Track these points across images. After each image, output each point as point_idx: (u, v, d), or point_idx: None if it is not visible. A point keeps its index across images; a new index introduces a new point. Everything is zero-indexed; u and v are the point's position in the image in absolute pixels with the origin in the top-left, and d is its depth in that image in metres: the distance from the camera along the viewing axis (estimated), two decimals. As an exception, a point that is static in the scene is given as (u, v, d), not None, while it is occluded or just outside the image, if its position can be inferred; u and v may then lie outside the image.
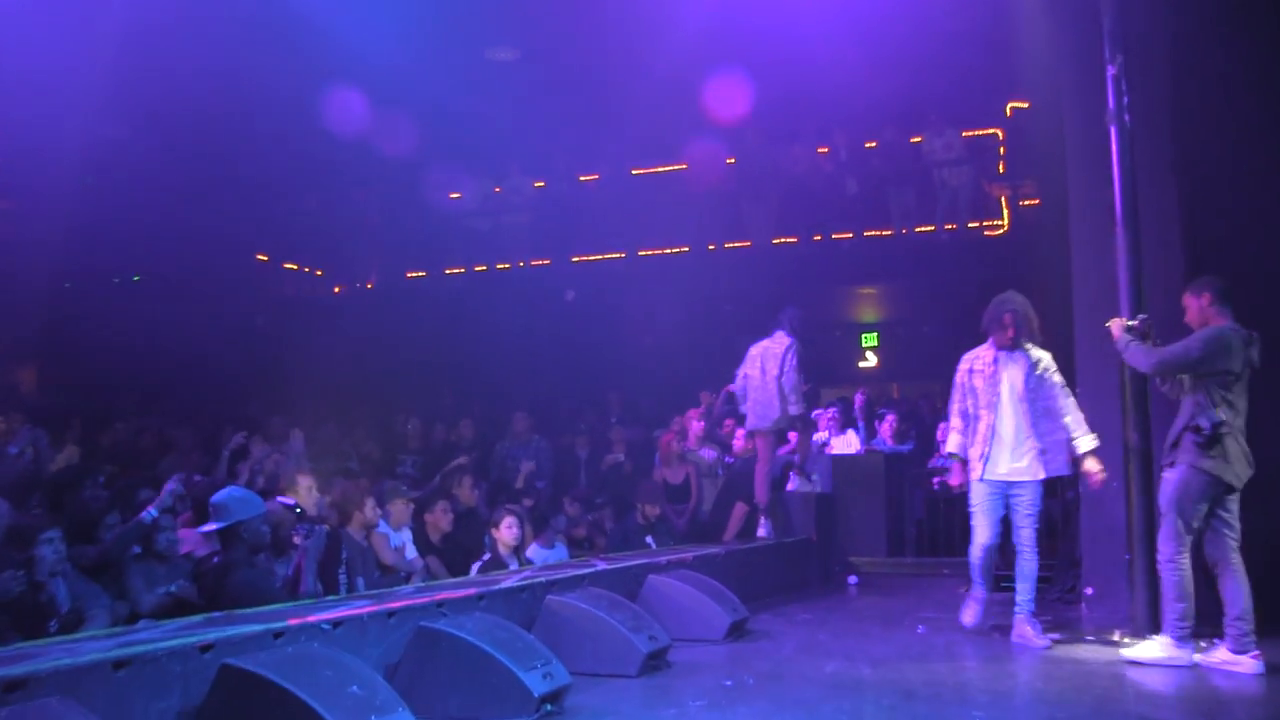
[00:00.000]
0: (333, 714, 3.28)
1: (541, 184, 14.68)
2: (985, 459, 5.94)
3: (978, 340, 6.21)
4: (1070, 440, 5.85)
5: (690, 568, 6.55)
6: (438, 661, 4.23)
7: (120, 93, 10.98)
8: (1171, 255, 6.35)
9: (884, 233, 12.96)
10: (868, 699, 4.54)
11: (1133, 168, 6.08)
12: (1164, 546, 5.19)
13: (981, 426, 5.98)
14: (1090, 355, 6.41)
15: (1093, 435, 5.83)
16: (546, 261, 14.25)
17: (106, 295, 14.38)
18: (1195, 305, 5.35)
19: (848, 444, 10.62)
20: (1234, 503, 5.16)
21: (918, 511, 10.12)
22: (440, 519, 7.44)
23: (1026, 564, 5.94)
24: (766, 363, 8.23)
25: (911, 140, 13.03)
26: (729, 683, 4.82)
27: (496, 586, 5.12)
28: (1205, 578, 5.22)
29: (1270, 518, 5.51)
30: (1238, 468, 5.10)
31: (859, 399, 11.55)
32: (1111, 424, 5.97)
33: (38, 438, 8.27)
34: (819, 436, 10.26)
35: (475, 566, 6.94)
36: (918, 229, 12.76)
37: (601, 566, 6.16)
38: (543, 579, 5.39)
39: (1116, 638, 5.86)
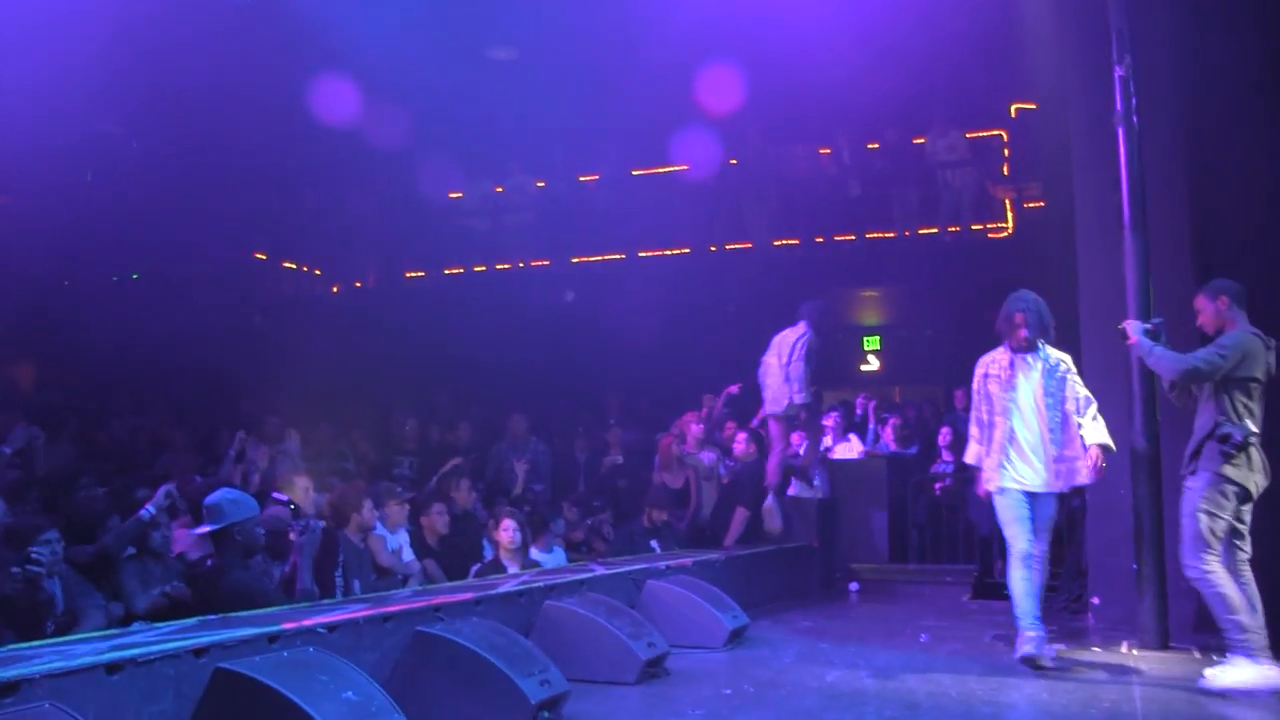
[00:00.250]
0: (327, 720, 3.23)
1: (543, 184, 14.63)
2: (1003, 468, 5.54)
3: (980, 343, 5.93)
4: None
5: (690, 573, 6.51)
6: (434, 667, 4.21)
7: (120, 91, 10.95)
8: (1180, 258, 6.29)
9: (886, 235, 12.87)
10: (870, 710, 4.48)
11: (1141, 170, 6.01)
12: (1190, 560, 4.95)
13: (997, 434, 5.58)
14: (1096, 360, 6.32)
15: (1106, 433, 5.49)
16: (546, 262, 14.19)
17: (105, 293, 14.31)
18: (1211, 309, 5.17)
19: (849, 448, 10.56)
20: (1248, 513, 5.02)
21: (920, 517, 10.04)
22: (436, 521, 7.37)
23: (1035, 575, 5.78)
24: (783, 350, 8.32)
25: (914, 141, 12.91)
26: (728, 691, 4.77)
27: (494, 591, 5.08)
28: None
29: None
30: (1258, 477, 4.98)
31: (860, 402, 11.50)
32: (1119, 430, 5.73)
33: (34, 435, 8.20)
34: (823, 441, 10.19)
35: (474, 570, 6.88)
36: (920, 231, 12.67)
37: (600, 571, 6.11)
38: (541, 584, 5.35)
39: (1124, 648, 5.79)
